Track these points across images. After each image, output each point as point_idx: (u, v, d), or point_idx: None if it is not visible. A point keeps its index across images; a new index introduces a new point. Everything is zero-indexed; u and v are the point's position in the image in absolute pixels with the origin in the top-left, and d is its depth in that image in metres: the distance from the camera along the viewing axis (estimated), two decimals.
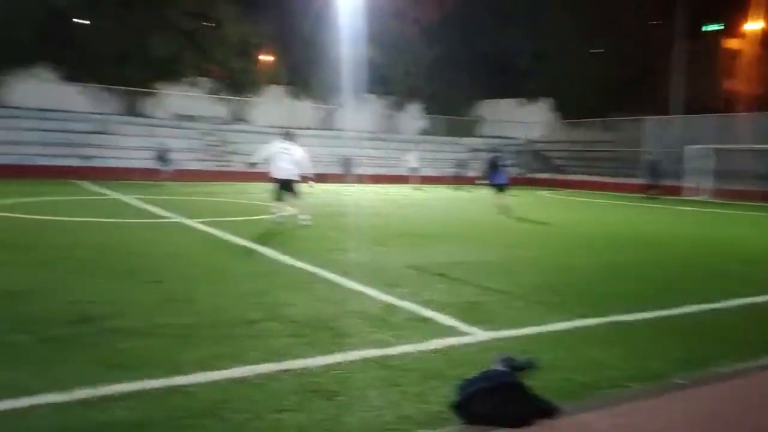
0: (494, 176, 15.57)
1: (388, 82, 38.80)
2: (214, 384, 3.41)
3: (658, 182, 25.94)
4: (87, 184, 20.98)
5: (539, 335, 4.61)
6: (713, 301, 5.86)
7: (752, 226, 14.93)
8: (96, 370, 3.52)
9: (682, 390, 3.33)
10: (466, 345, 4.31)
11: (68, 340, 4.06)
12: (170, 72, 31.95)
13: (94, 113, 29.83)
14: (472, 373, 3.54)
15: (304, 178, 11.84)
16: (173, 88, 32.90)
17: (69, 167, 24.65)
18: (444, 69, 39.34)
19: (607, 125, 34.86)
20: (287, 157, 11.42)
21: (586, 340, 4.51)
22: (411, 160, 28.81)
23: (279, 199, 11.59)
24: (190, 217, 11.66)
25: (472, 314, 5.11)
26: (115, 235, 9.33)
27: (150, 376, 3.46)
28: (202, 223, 10.85)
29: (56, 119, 27.62)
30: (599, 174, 32.27)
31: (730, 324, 5.16)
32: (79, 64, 29.71)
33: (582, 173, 33.75)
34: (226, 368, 3.65)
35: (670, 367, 3.93)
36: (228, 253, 7.95)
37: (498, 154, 16.55)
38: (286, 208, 11.53)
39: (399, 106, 41.33)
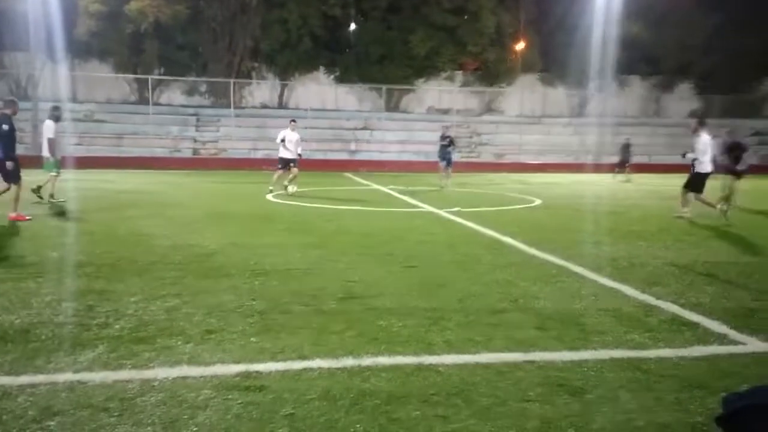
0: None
1: (655, 60, 35.34)
2: (462, 366, 3.57)
3: None
4: (353, 176, 23.26)
5: None
6: None
7: None
8: (359, 342, 3.95)
9: None
10: (738, 355, 3.84)
11: (337, 313, 4.61)
12: (428, 68, 33.63)
13: (360, 111, 32.90)
14: (743, 386, 3.14)
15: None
16: (430, 83, 34.57)
17: (339, 160, 27.57)
18: (726, 40, 34.26)
19: None
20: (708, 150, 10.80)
21: None
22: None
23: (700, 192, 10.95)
24: (440, 207, 12.19)
25: (747, 321, 4.51)
26: (375, 222, 10.22)
27: (405, 353, 3.76)
28: (452, 213, 11.27)
29: (329, 118, 31.10)
30: None
31: None
32: (349, 67, 33.08)
33: None
34: (473, 353, 3.79)
35: None
36: (476, 242, 8.15)
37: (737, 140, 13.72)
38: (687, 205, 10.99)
39: (666, 86, 37.48)
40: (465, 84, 35.28)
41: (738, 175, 12.81)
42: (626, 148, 24.08)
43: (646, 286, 5.56)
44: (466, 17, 32.79)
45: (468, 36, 32.73)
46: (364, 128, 30.64)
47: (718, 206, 10.50)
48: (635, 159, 24.71)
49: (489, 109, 35.66)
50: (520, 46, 35.66)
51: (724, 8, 33.75)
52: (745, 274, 6.19)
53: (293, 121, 15.65)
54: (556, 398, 3.16)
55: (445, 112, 33.32)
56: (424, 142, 29.76)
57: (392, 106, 33.76)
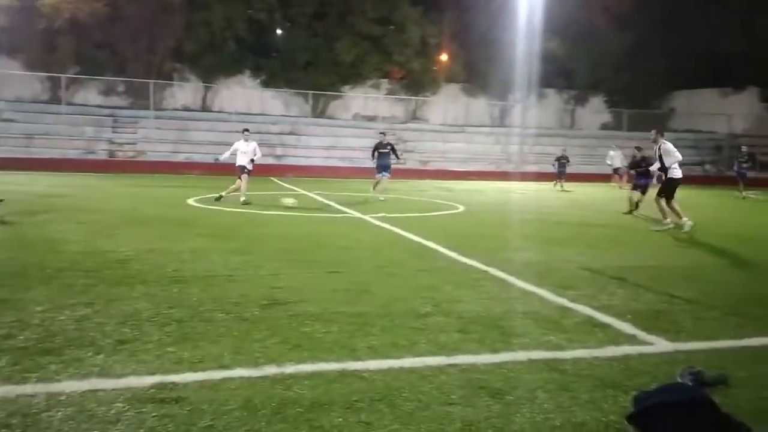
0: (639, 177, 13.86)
1: (571, 75, 37.13)
2: (386, 371, 3.57)
3: None
4: (279, 181, 22.96)
5: (734, 350, 4.16)
6: None
7: None
8: (282, 350, 3.87)
9: None
10: (647, 355, 4.03)
11: (260, 320, 4.51)
12: (354, 75, 33.78)
13: (287, 116, 32.58)
14: (652, 384, 3.32)
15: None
16: (356, 90, 34.73)
17: (265, 165, 27.07)
18: (635, 58, 36.51)
19: None
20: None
21: None
22: (615, 158, 25.40)
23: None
24: (367, 212, 12.23)
25: (654, 323, 4.75)
26: (301, 227, 10.11)
27: (329, 359, 3.72)
28: (378, 218, 11.32)
29: (255, 122, 30.54)
30: None
31: None
32: (275, 71, 32.70)
33: None
34: (397, 357, 3.80)
35: None
36: (401, 247, 8.22)
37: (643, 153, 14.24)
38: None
39: (580, 99, 39.37)
40: (390, 92, 35.69)
41: (643, 188, 13.49)
42: (561, 159, 24.84)
43: (561, 290, 5.77)
44: (391, 27, 33.25)
45: (393, 45, 33.18)
46: (291, 133, 30.36)
47: (668, 219, 10.59)
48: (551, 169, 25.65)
49: (414, 117, 36.19)
50: (443, 57, 36.42)
51: (632, 30, 35.99)
52: (652, 277, 6.54)
53: (246, 130, 14.86)
54: (477, 400, 3.21)
55: (371, 119, 33.54)
56: (350, 148, 29.81)
57: (319, 111, 33.67)
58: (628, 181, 24.70)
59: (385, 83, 35.95)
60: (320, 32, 32.28)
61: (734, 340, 4.37)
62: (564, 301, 5.35)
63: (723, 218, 14.33)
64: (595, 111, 39.21)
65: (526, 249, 8.46)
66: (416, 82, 35.37)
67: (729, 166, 34.57)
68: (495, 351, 4.00)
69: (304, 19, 32.23)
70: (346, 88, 34.36)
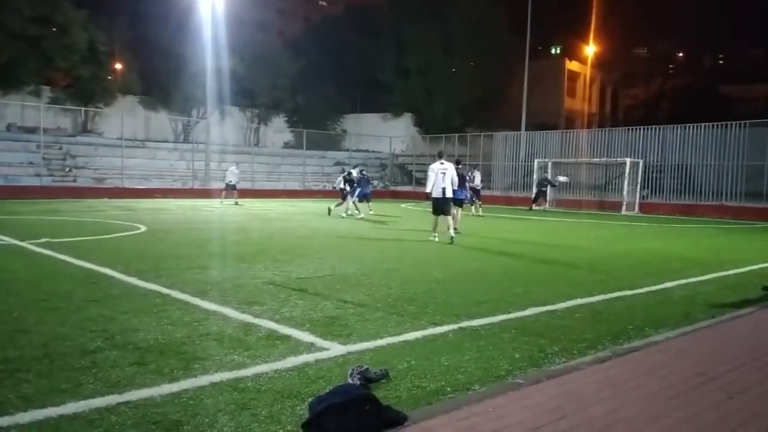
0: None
1: (253, 94, 38.12)
2: (42, 423, 3.09)
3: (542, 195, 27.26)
4: None
5: (394, 345, 4.69)
6: (553, 303, 6.34)
7: (592, 232, 16.43)
8: None
9: (520, 389, 3.54)
10: (323, 360, 4.28)
11: None
12: (7, 80, 29.08)
13: None
14: (327, 388, 3.53)
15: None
16: (11, 97, 29.96)
17: None
18: (309, 82, 39.46)
19: (464, 140, 36.80)
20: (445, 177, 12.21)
21: (438, 347, 4.67)
22: (233, 175, 24.86)
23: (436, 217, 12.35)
24: (25, 238, 10.61)
25: (329, 329, 5.10)
26: None
27: None
28: (39, 245, 9.91)
29: None
30: None
31: (565, 324, 5.60)
32: None
33: None
34: (57, 405, 3.32)
35: (513, 367, 4.18)
36: (67, 277, 7.30)
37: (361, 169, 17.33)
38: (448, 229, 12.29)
39: (263, 118, 40.70)
40: (54, 101, 31.71)
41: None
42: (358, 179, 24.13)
43: (246, 306, 5.81)
44: (53, 29, 29.65)
45: (55, 50, 29.60)
46: None
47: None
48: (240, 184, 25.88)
49: (85, 129, 32.86)
50: (118, 66, 33.95)
51: (305, 55, 38.85)
52: (329, 286, 7.04)
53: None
54: None
55: (31, 130, 29.27)
56: (5, 164, 25.73)
57: None
58: (227, 196, 25.45)
59: (47, 91, 31.81)
60: None
61: (395, 336, 4.94)
62: (248, 318, 5.38)
63: (377, 229, 16.28)
64: (278, 130, 40.97)
65: (211, 267, 8.31)
66: (86, 91, 32.13)
67: (393, 181, 39.60)
68: (175, 380, 3.79)
69: None
70: None
